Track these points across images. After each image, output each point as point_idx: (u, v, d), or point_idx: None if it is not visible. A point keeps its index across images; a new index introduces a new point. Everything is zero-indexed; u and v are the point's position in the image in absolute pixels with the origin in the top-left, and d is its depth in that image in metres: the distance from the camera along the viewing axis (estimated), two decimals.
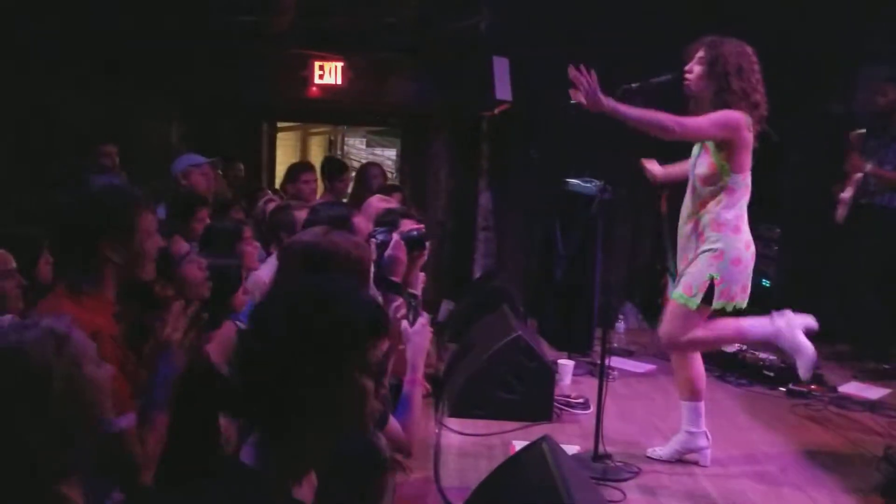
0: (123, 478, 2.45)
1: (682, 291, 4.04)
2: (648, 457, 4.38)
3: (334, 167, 7.30)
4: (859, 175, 6.26)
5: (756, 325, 4.17)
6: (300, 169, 7.11)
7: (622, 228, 7.68)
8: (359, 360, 1.71)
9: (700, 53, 4.03)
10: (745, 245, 4.03)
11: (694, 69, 4.04)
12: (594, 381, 4.74)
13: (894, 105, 6.25)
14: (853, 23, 6.81)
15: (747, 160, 3.99)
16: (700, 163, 4.04)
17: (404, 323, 3.18)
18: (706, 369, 4.33)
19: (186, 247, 3.17)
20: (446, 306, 7.44)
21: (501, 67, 7.21)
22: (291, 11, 7.74)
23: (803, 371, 4.14)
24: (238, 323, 3.13)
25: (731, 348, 6.21)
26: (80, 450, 1.78)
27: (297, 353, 1.65)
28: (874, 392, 5.74)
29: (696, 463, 4.31)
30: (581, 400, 5.20)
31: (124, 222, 2.61)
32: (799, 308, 7.00)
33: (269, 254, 4.86)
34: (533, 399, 4.88)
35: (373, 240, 3.75)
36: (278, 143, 10.97)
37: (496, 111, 7.65)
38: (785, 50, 5.61)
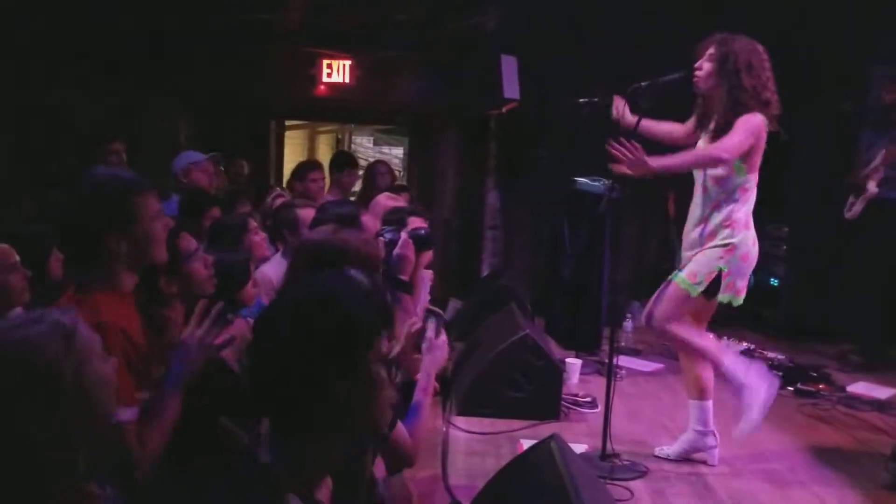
0: (116, 472, 2.44)
1: (686, 277, 4.05)
2: (656, 456, 4.38)
3: (341, 160, 7.33)
4: (881, 172, 6.21)
5: (735, 366, 4.15)
6: (308, 167, 7.12)
7: (630, 227, 7.67)
8: (366, 357, 1.71)
9: (710, 50, 4.02)
10: (752, 241, 4.08)
11: (704, 66, 4.03)
12: (602, 380, 4.73)
13: None
14: (863, 22, 6.79)
15: (759, 160, 4.01)
16: None
17: (429, 333, 3.16)
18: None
19: (195, 244, 3.16)
20: (454, 305, 7.43)
21: (509, 66, 7.20)
22: (299, 10, 7.74)
23: (740, 427, 4.12)
24: (248, 319, 3.13)
25: (739, 347, 6.22)
26: (90, 445, 1.79)
27: (304, 353, 1.65)
28: (882, 392, 5.72)
29: (703, 462, 4.31)
30: (589, 399, 5.20)
31: (124, 211, 2.57)
32: (806, 307, 7.04)
33: (276, 250, 4.88)
34: (540, 398, 4.88)
35: (381, 238, 3.75)
36: (286, 141, 10.97)
37: (504, 110, 7.64)
38: (794, 49, 5.59)
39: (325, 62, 8.23)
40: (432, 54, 8.02)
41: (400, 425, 2.87)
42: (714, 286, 4.01)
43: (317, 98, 8.41)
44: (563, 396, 5.06)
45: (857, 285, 6.62)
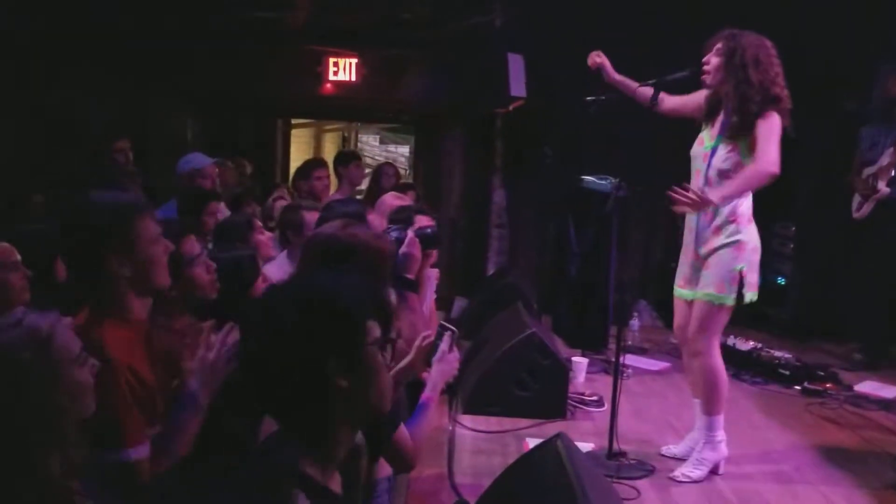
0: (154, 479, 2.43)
1: (714, 291, 4.01)
2: (663, 455, 4.36)
3: (346, 155, 7.36)
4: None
5: (720, 424, 4.14)
6: (313, 165, 7.13)
7: (636, 226, 7.67)
8: (361, 340, 1.71)
9: (718, 45, 4.01)
10: (757, 234, 4.08)
11: (711, 61, 4.02)
12: (608, 379, 4.72)
13: None
14: (869, 20, 6.77)
15: None
16: (722, 157, 4.00)
17: (443, 346, 3.15)
18: None
19: (198, 248, 3.14)
20: (460, 303, 7.44)
21: (516, 64, 7.20)
22: (306, 8, 7.74)
23: (681, 472, 4.10)
24: None
25: (746, 346, 6.20)
26: (66, 447, 1.80)
27: (293, 342, 1.65)
28: (890, 391, 5.70)
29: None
30: (595, 397, 5.19)
31: (123, 233, 2.50)
32: (813, 306, 7.03)
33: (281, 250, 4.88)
34: (547, 396, 4.88)
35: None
36: (292, 139, 10.98)
37: (510, 108, 7.64)
38: (800, 48, 5.57)
39: (332, 60, 8.23)
40: (439, 52, 8.01)
41: (403, 428, 2.86)
42: (741, 288, 4.01)
43: (323, 96, 8.42)
44: (570, 395, 5.05)
45: (863, 284, 6.61)
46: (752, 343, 6.26)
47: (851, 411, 5.34)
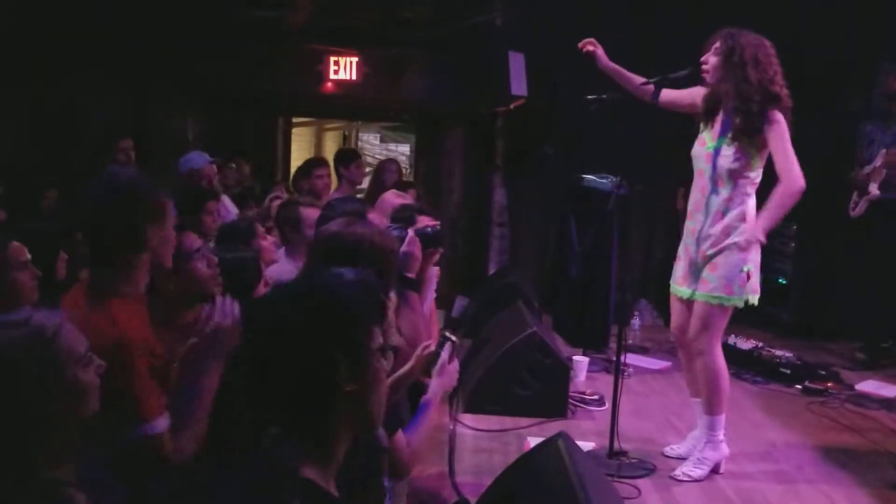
0: (156, 479, 2.44)
1: (722, 293, 4.01)
2: (665, 455, 4.36)
3: (347, 155, 7.34)
4: (884, 171, 6.21)
5: (721, 424, 4.15)
6: (313, 164, 7.13)
7: (637, 225, 7.66)
8: (367, 345, 1.70)
9: (716, 45, 4.01)
10: None
11: (710, 60, 4.02)
12: (609, 378, 4.72)
13: None
14: (870, 19, 6.76)
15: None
16: (728, 156, 3.98)
17: (444, 357, 3.14)
18: None
19: (198, 242, 3.14)
20: (460, 302, 7.44)
21: (517, 63, 7.20)
22: (307, 7, 7.74)
23: (682, 471, 4.11)
24: None
25: (747, 345, 6.20)
26: (64, 446, 1.81)
27: (300, 349, 1.64)
28: (891, 390, 5.69)
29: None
30: (596, 396, 5.19)
31: (162, 207, 2.62)
32: (814, 305, 7.02)
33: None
34: (548, 395, 4.88)
35: None
36: (293, 138, 10.99)
37: (511, 106, 7.64)
38: (801, 47, 5.58)
39: (333, 59, 8.23)
40: (439, 51, 8.01)
41: (400, 433, 2.85)
42: (746, 289, 4.03)
43: (324, 95, 8.42)
44: (571, 394, 5.05)
45: (864, 283, 6.60)
46: (753, 342, 6.26)
47: (853, 410, 5.33)
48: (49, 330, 1.80)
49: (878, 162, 6.17)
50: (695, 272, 4.12)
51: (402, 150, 14.64)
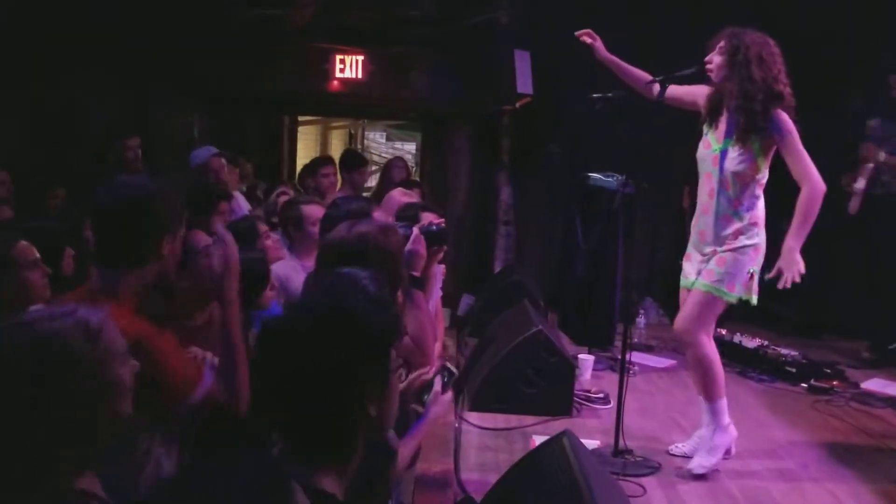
0: (224, 423, 2.54)
1: (724, 289, 4.01)
2: (671, 453, 4.36)
3: (353, 159, 7.35)
4: (870, 165, 6.25)
5: (724, 408, 4.18)
6: (319, 163, 7.16)
7: (643, 223, 7.66)
8: (387, 377, 1.75)
9: (721, 44, 4.01)
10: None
11: (714, 59, 4.02)
12: (614, 376, 4.72)
13: None
14: (873, 19, 6.76)
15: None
16: (735, 159, 3.98)
17: (437, 388, 3.14)
18: (727, 365, 4.31)
19: (208, 240, 3.15)
20: (466, 300, 7.45)
21: (523, 61, 7.19)
22: (312, 5, 7.75)
23: (695, 463, 4.12)
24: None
25: (752, 343, 6.20)
26: (98, 445, 1.79)
27: (328, 378, 1.67)
28: None
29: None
30: (601, 395, 5.20)
31: (179, 218, 2.66)
32: (820, 303, 7.01)
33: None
34: (553, 394, 4.88)
35: None
36: (299, 136, 11.00)
37: (517, 105, 7.64)
38: (804, 46, 5.57)
39: (338, 58, 8.22)
40: (445, 50, 8.01)
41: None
42: (748, 289, 4.05)
43: (329, 93, 8.41)
44: (576, 392, 5.06)
45: (869, 282, 6.60)
46: (758, 340, 6.26)
47: (858, 409, 5.33)
48: (95, 324, 1.77)
49: (880, 157, 6.21)
50: (702, 265, 4.13)
51: (407, 149, 14.64)
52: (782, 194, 4.09)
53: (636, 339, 6.31)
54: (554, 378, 4.88)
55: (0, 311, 2.91)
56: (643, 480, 4.00)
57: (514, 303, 5.69)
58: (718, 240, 4.05)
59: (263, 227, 4.76)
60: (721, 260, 4.04)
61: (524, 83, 7.18)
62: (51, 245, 3.46)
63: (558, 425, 4.39)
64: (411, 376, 3.10)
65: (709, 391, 4.16)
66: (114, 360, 1.78)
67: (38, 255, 3.16)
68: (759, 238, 4.03)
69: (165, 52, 7.61)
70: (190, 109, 8.22)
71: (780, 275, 3.89)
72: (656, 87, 4.15)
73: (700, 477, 4.07)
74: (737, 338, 6.23)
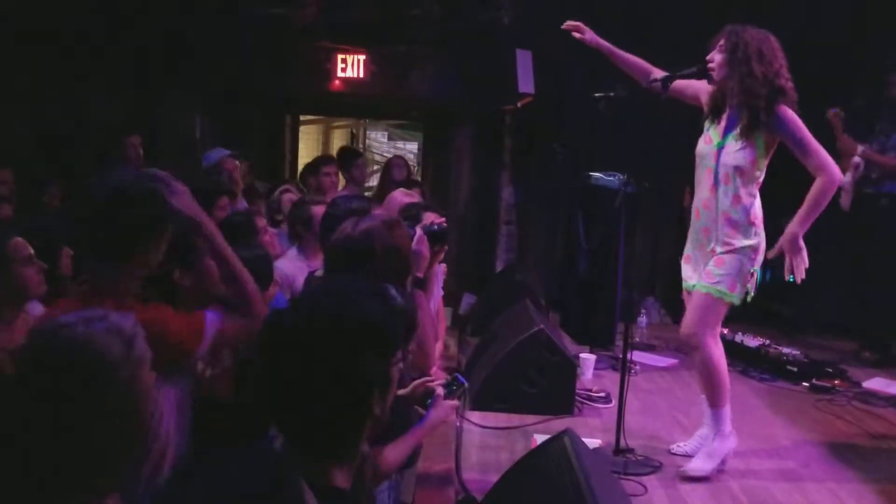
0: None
1: (726, 290, 4.00)
2: (672, 452, 4.36)
3: (346, 155, 7.38)
4: (857, 159, 6.27)
5: (727, 415, 4.16)
6: (321, 161, 7.17)
7: (645, 222, 7.66)
8: (392, 378, 1.76)
9: (721, 42, 4.01)
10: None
11: (715, 58, 4.01)
12: (616, 376, 4.72)
13: None
14: (877, 17, 6.75)
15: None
16: (737, 155, 3.97)
17: (440, 391, 3.13)
18: (729, 364, 4.29)
19: None
20: (468, 299, 7.45)
21: (525, 60, 7.19)
22: (314, 4, 7.75)
23: (692, 467, 4.09)
24: None
25: (754, 342, 6.20)
26: (130, 458, 1.80)
27: (337, 379, 1.67)
28: None
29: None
30: (603, 394, 5.19)
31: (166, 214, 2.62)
32: (822, 302, 6.99)
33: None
34: (554, 393, 4.88)
35: None
36: (301, 136, 10.99)
37: (519, 104, 7.64)
38: (808, 45, 5.57)
39: (340, 57, 8.23)
40: (447, 49, 8.01)
41: (385, 450, 2.83)
42: (748, 288, 4.05)
43: (331, 93, 8.42)
44: (577, 391, 5.06)
45: (871, 281, 6.60)
46: (759, 340, 6.26)
47: (860, 408, 5.33)
48: (128, 330, 1.76)
49: (859, 151, 6.25)
50: (701, 266, 4.12)
51: (409, 148, 14.64)
52: (782, 194, 4.10)
53: (638, 339, 6.31)
54: (555, 377, 4.88)
55: None
56: (644, 479, 4.00)
57: (516, 302, 5.69)
58: (719, 236, 4.04)
59: (262, 222, 4.77)
60: (720, 261, 4.02)
61: (526, 82, 7.17)
62: (47, 243, 3.46)
63: (560, 424, 4.38)
64: (415, 382, 3.10)
65: (713, 398, 4.15)
66: (145, 367, 1.77)
67: (32, 251, 3.17)
68: (759, 238, 4.01)
69: (168, 51, 7.62)
70: (191, 109, 8.22)
71: (781, 256, 3.88)
72: (657, 86, 4.15)
73: (698, 478, 4.07)
74: (738, 337, 6.23)
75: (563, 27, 4.46)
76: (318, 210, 4.50)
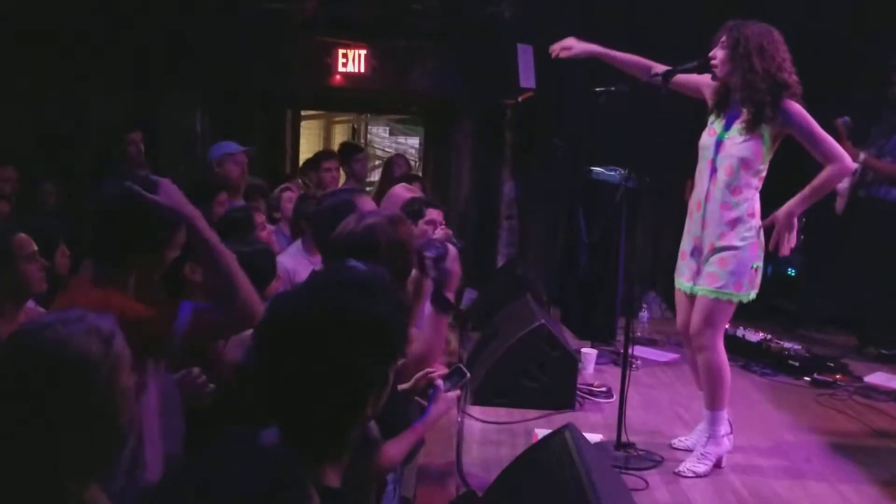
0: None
1: (731, 290, 4.00)
2: (673, 447, 4.36)
3: (346, 150, 7.37)
4: (857, 166, 6.25)
5: (724, 419, 4.15)
6: (322, 157, 7.17)
7: (646, 217, 7.65)
8: (389, 377, 1.75)
9: (723, 38, 4.00)
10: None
11: (717, 54, 4.01)
12: (617, 370, 4.73)
13: None
14: (881, 14, 6.74)
15: None
16: (738, 146, 3.96)
17: (440, 384, 3.10)
18: (730, 358, 4.29)
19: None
20: (469, 295, 7.44)
21: (526, 55, 7.18)
22: None
23: (685, 467, 4.08)
24: None
25: (755, 337, 6.19)
26: (106, 452, 1.79)
27: (337, 376, 1.66)
28: None
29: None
30: (604, 389, 5.19)
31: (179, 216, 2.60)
32: (824, 297, 7.00)
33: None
34: (556, 387, 4.88)
35: (426, 256, 3.53)
36: (302, 131, 10.99)
37: (520, 99, 7.63)
38: (812, 42, 5.56)
39: (341, 51, 8.22)
40: (448, 43, 8.00)
41: (387, 446, 2.83)
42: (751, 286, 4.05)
43: (332, 87, 8.41)
44: (579, 386, 5.06)
45: (873, 276, 6.59)
46: (761, 334, 6.25)
47: (861, 402, 5.33)
48: (106, 329, 1.76)
49: (860, 158, 6.23)
50: (700, 265, 4.11)
51: (410, 143, 14.62)
52: (785, 188, 4.09)
53: (639, 333, 6.30)
54: (556, 372, 4.88)
55: None
56: (646, 474, 4.00)
57: (517, 297, 5.69)
58: (716, 229, 4.02)
59: (260, 218, 4.77)
60: (723, 260, 4.01)
61: (527, 77, 7.16)
62: (45, 240, 3.47)
63: (561, 419, 4.39)
64: (417, 375, 3.09)
65: (712, 400, 4.13)
66: (123, 367, 1.77)
67: (35, 247, 3.18)
68: (755, 232, 4.00)
69: (168, 51, 7.61)
70: (192, 108, 8.21)
71: (772, 225, 3.91)
72: (658, 80, 4.14)
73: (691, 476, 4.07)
74: (740, 331, 6.22)
75: (551, 55, 4.47)
76: None
